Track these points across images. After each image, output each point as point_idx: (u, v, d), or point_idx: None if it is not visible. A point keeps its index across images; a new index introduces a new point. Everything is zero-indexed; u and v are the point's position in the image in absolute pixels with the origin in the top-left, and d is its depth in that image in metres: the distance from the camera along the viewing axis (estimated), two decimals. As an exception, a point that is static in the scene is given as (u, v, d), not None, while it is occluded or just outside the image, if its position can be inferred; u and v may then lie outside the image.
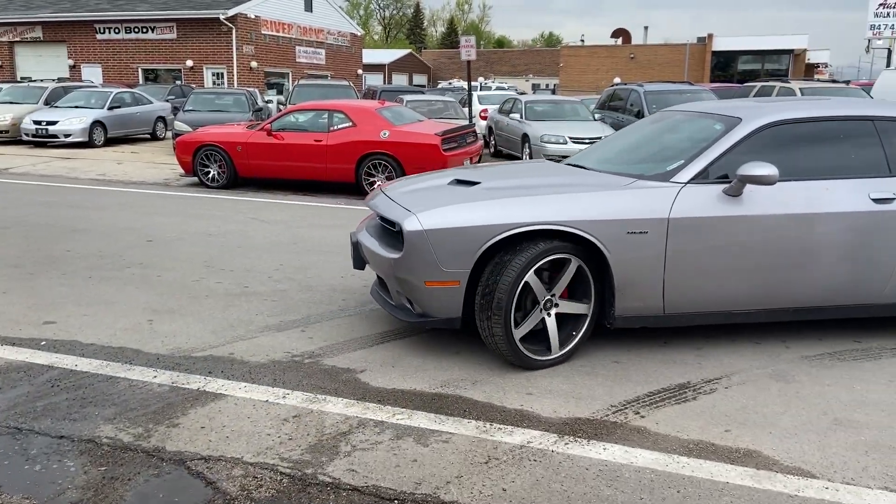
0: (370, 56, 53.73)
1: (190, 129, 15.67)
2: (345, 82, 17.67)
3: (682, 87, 15.52)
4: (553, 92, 41.67)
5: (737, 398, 3.53)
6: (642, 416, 3.34)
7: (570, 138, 13.73)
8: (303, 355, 4.12)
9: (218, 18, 26.93)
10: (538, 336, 3.91)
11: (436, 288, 3.79)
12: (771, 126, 4.08)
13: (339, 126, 10.77)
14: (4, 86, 19.90)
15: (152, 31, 28.35)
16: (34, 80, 25.22)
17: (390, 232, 4.23)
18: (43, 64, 29.93)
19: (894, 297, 4.12)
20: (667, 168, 4.09)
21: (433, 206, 3.87)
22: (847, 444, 3.06)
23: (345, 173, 10.70)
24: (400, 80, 59.17)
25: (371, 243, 4.21)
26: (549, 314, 3.88)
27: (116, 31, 28.71)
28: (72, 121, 16.64)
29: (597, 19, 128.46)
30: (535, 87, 55.00)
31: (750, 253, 3.90)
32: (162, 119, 19.61)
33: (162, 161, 14.79)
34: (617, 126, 14.68)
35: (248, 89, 18.30)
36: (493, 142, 16.85)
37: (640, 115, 14.48)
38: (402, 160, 10.35)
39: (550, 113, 15.25)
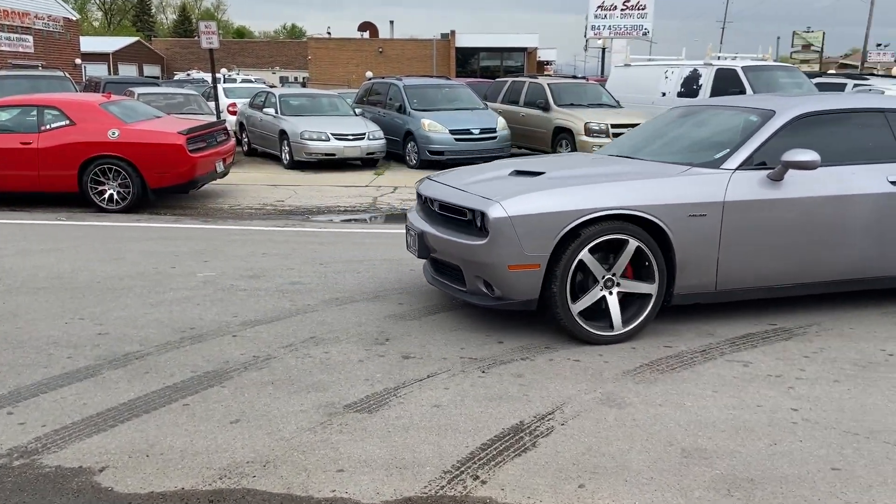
0: (91, 44, 47.99)
1: None
2: (59, 73, 15.03)
3: (440, 82, 15.48)
4: (303, 85, 40.43)
5: (578, 437, 3.07)
6: (483, 482, 2.72)
7: (333, 135, 12.95)
8: (10, 454, 2.90)
9: None
10: (605, 314, 4.18)
11: (519, 272, 4.03)
12: (803, 117, 4.53)
13: (53, 125, 8.87)
14: None
15: None
16: None
17: (458, 220, 4.37)
18: None
19: None
20: (714, 157, 4.47)
21: (514, 195, 4.08)
22: (707, 483, 2.71)
23: (64, 181, 8.85)
24: (128, 70, 53.70)
25: (441, 232, 4.38)
26: (609, 292, 4.15)
27: None
28: None
29: (342, 13, 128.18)
30: (284, 81, 53.15)
31: (790, 232, 4.32)
32: None
33: None
34: (379, 121, 14.21)
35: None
36: (245, 139, 15.47)
37: (401, 109, 14.15)
38: (139, 164, 8.79)
39: (308, 107, 14.32)
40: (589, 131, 13.00)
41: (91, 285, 5.36)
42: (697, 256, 4.20)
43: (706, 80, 13.86)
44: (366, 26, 47.57)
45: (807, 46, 69.55)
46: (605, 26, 32.05)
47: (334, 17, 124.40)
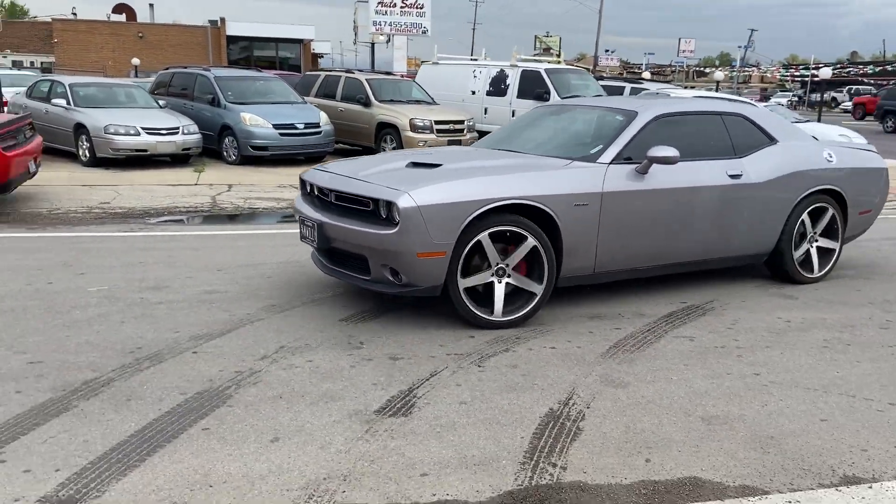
0: None
1: None
2: None
3: (254, 74, 14.87)
4: (49, 71, 35.82)
5: (610, 417, 3.37)
6: (563, 468, 2.92)
7: (144, 129, 11.85)
8: (36, 512, 2.49)
9: None
10: (491, 300, 4.51)
11: (427, 259, 4.26)
12: (660, 117, 5.19)
13: None
14: None
15: None
16: None
17: (361, 211, 4.46)
18: None
19: (732, 252, 5.44)
20: (590, 152, 4.98)
21: (421, 185, 4.30)
22: (741, 444, 3.17)
23: None
24: None
25: (342, 222, 4.50)
26: (499, 280, 4.50)
27: None
28: None
29: None
30: (18, 65, 46.61)
31: (654, 218, 4.93)
32: None
33: None
34: (186, 115, 13.23)
35: None
36: (24, 133, 13.50)
37: (214, 102, 13.35)
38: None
39: (105, 98, 12.91)
40: (414, 127, 13.38)
41: (-37, 310, 4.53)
42: (581, 242, 4.67)
43: (513, 80, 14.95)
44: (121, 9, 43.44)
45: (547, 49, 76.86)
46: (386, 22, 32.70)
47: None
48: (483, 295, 4.51)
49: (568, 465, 2.93)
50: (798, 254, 5.71)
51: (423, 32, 33.80)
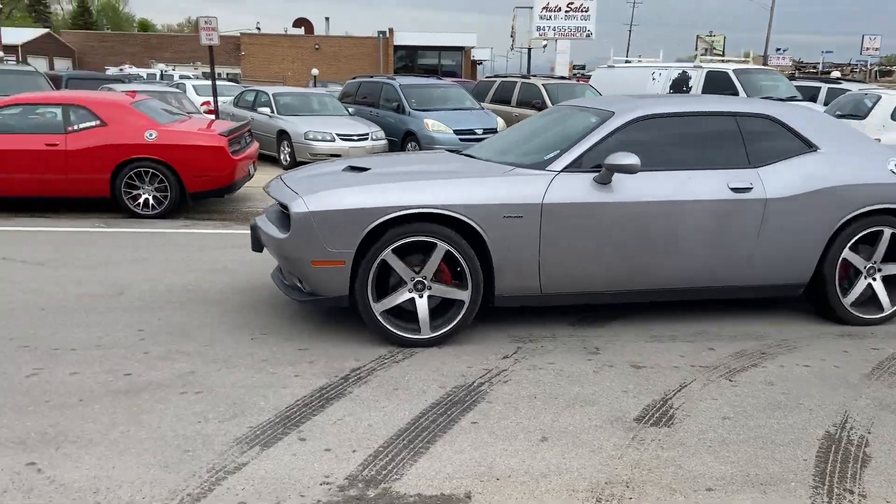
0: (-3, 35, 44.80)
1: None
2: (28, 67, 13.92)
3: (436, 81, 15.35)
4: (236, 82, 39.06)
5: (893, 447, 3.13)
6: (862, 496, 2.74)
7: (338, 135, 12.61)
8: (351, 484, 2.68)
9: None
10: (413, 315, 4.15)
11: (322, 268, 4.02)
12: (641, 119, 4.43)
13: (82, 125, 8.22)
14: None
15: None
16: None
17: (285, 215, 4.34)
18: None
19: (757, 280, 4.53)
20: (544, 158, 4.38)
21: (319, 190, 4.08)
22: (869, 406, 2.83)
23: (96, 186, 8.22)
24: (38, 64, 50.47)
25: (267, 226, 4.35)
26: (420, 295, 4.12)
27: None
28: None
29: (243, 6, 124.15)
30: (207, 76, 51.25)
31: (619, 237, 4.22)
32: None
33: None
34: (375, 120, 13.94)
35: None
36: (230, 139, 14.82)
37: (399, 109, 13.94)
38: (178, 167, 8.28)
39: (302, 107, 13.88)
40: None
41: (231, 298, 5.01)
42: (516, 259, 4.14)
43: (697, 82, 14.37)
44: (300, 23, 46.58)
45: (709, 50, 73.33)
46: (549, 27, 32.64)
47: (237, 11, 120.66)
48: (404, 310, 4.18)
49: (867, 494, 2.74)
50: (855, 291, 4.64)
51: (587, 36, 33.39)
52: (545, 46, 35.06)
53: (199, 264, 5.95)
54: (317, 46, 42.48)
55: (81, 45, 58.47)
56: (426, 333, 4.11)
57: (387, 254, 3.99)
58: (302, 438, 3.06)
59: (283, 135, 12.92)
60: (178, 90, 14.31)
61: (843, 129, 4.80)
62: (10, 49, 48.55)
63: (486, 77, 17.65)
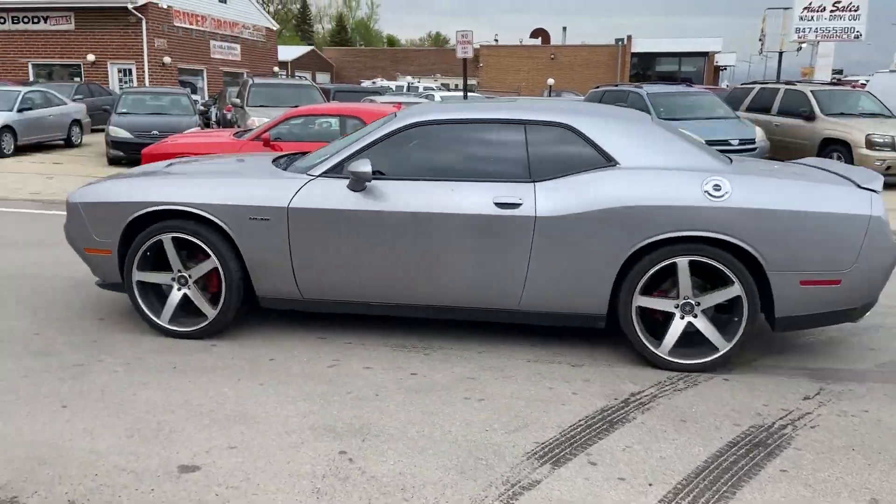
0: (275, 53, 50.82)
1: (130, 136, 13.33)
2: (306, 81, 15.62)
3: (685, 89, 14.64)
4: (471, 92, 40.55)
5: None
6: None
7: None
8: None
9: (126, 8, 23.83)
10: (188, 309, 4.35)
11: (93, 255, 4.34)
12: (414, 126, 4.12)
13: (355, 134, 8.95)
14: None
15: (45, 21, 24.78)
16: None
17: None
18: None
19: (534, 307, 4.01)
20: (312, 163, 4.29)
21: (95, 183, 4.40)
22: None
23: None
24: (301, 77, 56.42)
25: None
26: (178, 289, 4.27)
27: (2, 21, 24.90)
28: (-26, 126, 13.68)
29: (476, 21, 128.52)
30: (446, 87, 53.93)
31: (373, 247, 4.02)
32: (77, 122, 16.76)
33: (101, 174, 12.28)
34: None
35: (184, 89, 15.89)
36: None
37: (646, 118, 13.46)
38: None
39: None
40: (871, 144, 11.70)
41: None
42: (269, 262, 4.11)
43: None
44: (538, 33, 47.20)
45: None
46: (810, 28, 29.69)
47: (472, 25, 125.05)
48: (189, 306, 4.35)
49: None
50: (671, 335, 3.87)
51: (856, 37, 29.85)
52: (799, 50, 31.99)
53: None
54: (552, 56, 42.73)
55: (339, 60, 64.61)
56: (165, 323, 4.28)
57: (150, 245, 4.19)
58: (592, 462, 2.96)
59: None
60: (433, 101, 15.09)
61: (661, 141, 3.96)
62: (282, 65, 55.11)
63: (742, 84, 16.42)
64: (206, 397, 3.48)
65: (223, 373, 3.79)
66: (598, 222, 3.81)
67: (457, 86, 54.98)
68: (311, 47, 63.15)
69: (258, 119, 12.69)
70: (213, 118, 19.35)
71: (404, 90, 31.77)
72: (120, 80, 25.10)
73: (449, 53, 65.16)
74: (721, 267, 3.74)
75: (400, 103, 11.39)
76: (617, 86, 15.48)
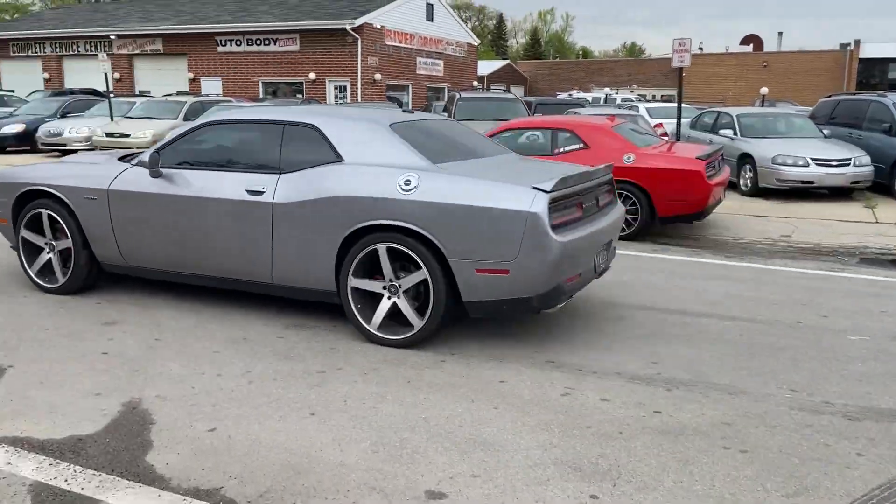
0: (471, 67, 52.17)
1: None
2: (510, 95, 15.72)
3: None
4: (667, 101, 38.76)
5: None
6: None
7: (813, 160, 11.27)
8: None
9: (344, 29, 25.57)
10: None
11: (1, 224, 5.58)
12: (208, 125, 4.97)
13: (567, 148, 8.71)
14: (139, 100, 18.89)
15: (274, 44, 27.29)
16: (150, 93, 24.51)
17: None
18: (162, 77, 29.36)
19: (282, 281, 4.64)
20: (139, 154, 5.39)
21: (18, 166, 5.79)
22: None
23: (573, 205, 8.65)
24: (497, 92, 57.31)
25: None
26: (48, 252, 5.40)
27: (237, 43, 27.80)
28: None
29: (674, 30, 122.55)
30: (643, 98, 52.03)
31: (166, 225, 4.89)
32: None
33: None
34: (856, 143, 12.15)
35: (393, 104, 16.60)
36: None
37: (891, 131, 11.90)
38: (652, 190, 8.19)
39: (770, 128, 12.81)
40: None
41: (725, 335, 4.60)
42: (100, 233, 5.12)
43: None
44: (749, 39, 44.14)
45: None
46: None
47: (669, 34, 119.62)
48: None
49: None
50: (379, 313, 4.37)
51: None
52: None
53: (686, 293, 5.68)
54: (765, 64, 39.71)
55: (533, 73, 64.93)
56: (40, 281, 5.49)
57: (32, 217, 5.33)
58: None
59: (745, 158, 12.07)
60: (636, 113, 14.48)
61: (381, 142, 4.50)
62: (479, 79, 56.52)
63: None
64: (443, 417, 3.41)
65: (456, 392, 3.71)
66: (320, 210, 4.40)
67: (654, 96, 52.98)
68: (507, 61, 64.07)
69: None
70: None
71: (601, 101, 31.03)
72: (335, 96, 26.95)
73: (646, 64, 62.93)
74: (411, 253, 4.20)
75: (614, 115, 11.00)
76: (855, 94, 13.87)
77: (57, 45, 31.09)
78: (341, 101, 26.21)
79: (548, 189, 4.00)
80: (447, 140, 4.88)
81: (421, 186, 4.18)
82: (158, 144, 5.09)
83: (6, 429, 3.20)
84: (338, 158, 4.49)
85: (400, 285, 4.29)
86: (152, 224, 4.90)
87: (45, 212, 5.27)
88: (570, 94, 35.73)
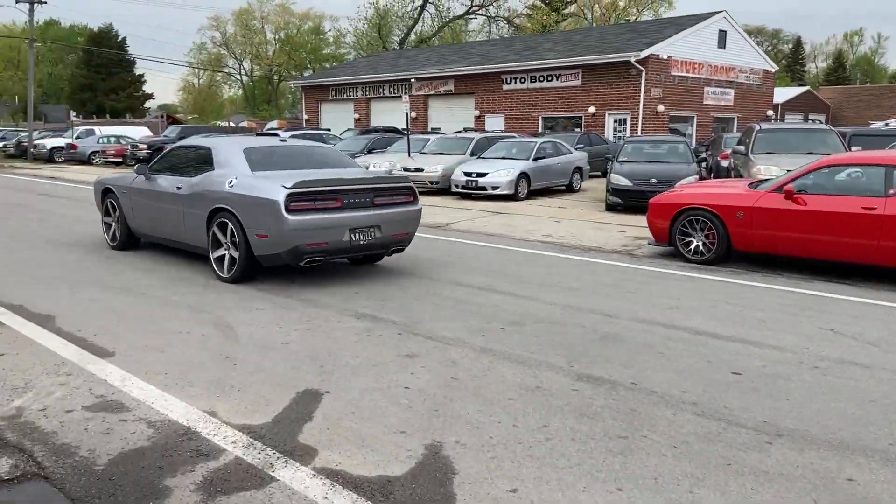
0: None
1: (630, 183, 13.66)
2: (822, 125, 14.03)
3: None
4: None
5: None
6: None
7: None
8: None
9: (628, 62, 25.15)
10: None
11: None
12: (175, 148, 8.65)
13: (906, 188, 7.35)
14: (432, 136, 20.35)
15: (556, 79, 27.78)
16: (441, 130, 26.33)
17: None
18: (452, 115, 31.50)
19: (196, 242, 7.72)
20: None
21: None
22: None
23: (914, 256, 7.30)
24: (795, 120, 52.14)
25: None
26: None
27: (521, 80, 28.81)
28: (500, 173, 15.79)
29: None
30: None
31: (153, 209, 8.29)
32: (578, 170, 18.08)
33: (600, 220, 12.84)
34: None
35: (682, 137, 15.71)
36: None
37: None
38: None
39: None
40: None
41: None
42: (128, 213, 8.79)
43: None
44: None
45: None
46: None
47: None
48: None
49: None
50: (216, 254, 7.39)
51: None
52: None
53: None
54: None
55: (836, 100, 58.14)
56: None
57: None
58: None
59: None
60: None
61: (235, 158, 7.46)
62: (773, 107, 52.00)
63: None
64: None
65: (788, 485, 3.11)
66: (198, 198, 7.60)
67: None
68: (806, 87, 58.15)
69: (764, 168, 11.70)
70: (706, 166, 18.87)
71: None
72: (614, 129, 26.56)
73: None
74: (230, 224, 7.15)
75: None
76: None
77: (366, 88, 35.06)
78: (620, 135, 25.71)
79: (288, 186, 6.58)
80: (286, 159, 7.67)
81: (235, 184, 7.06)
82: (153, 161, 8.65)
83: (324, 459, 3.36)
84: (214, 167, 7.55)
85: (230, 244, 7.16)
86: (148, 209, 8.39)
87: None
88: (887, 124, 31.08)
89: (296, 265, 6.86)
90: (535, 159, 16.56)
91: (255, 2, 75.10)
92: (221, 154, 7.57)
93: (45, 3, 33.31)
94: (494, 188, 15.69)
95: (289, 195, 6.54)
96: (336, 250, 6.95)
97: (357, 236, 6.97)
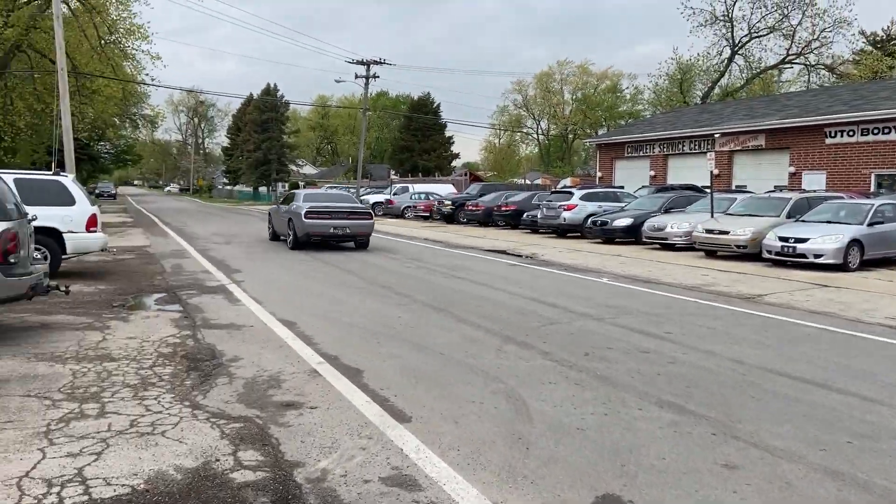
0: None
1: None
2: None
3: None
4: None
5: None
6: None
7: None
8: None
9: None
10: None
11: None
12: (285, 195, 24.53)
13: None
14: (740, 196, 18.69)
15: (893, 132, 23.97)
16: (746, 188, 24.09)
17: None
18: (760, 171, 28.86)
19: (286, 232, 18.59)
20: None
21: None
22: None
23: None
24: None
25: None
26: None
27: (850, 133, 25.38)
28: (825, 239, 13.76)
29: None
30: None
31: (278, 219, 19.43)
32: None
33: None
34: None
35: None
36: None
37: None
38: None
39: None
40: None
41: None
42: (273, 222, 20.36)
43: None
44: None
45: None
46: None
47: None
48: None
49: None
50: (290, 237, 17.42)
51: None
52: None
53: None
54: None
55: None
56: None
57: None
58: None
59: None
60: None
61: (301, 197, 18.02)
62: None
63: None
64: None
65: None
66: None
67: None
68: None
69: None
70: None
71: None
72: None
73: None
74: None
75: None
76: None
77: (664, 144, 33.85)
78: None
79: (306, 209, 16.90)
80: (320, 196, 18.96)
81: (295, 208, 17.69)
82: (283, 199, 19.70)
83: None
84: (294, 202, 18.12)
85: (291, 231, 18.11)
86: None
87: None
88: None
89: (307, 241, 16.82)
90: (870, 224, 14.18)
91: (556, 65, 78.15)
92: (299, 197, 17.77)
93: (378, 77, 38.14)
94: (817, 256, 13.70)
95: (306, 212, 16.54)
96: (326, 236, 16.82)
97: (335, 231, 16.73)
